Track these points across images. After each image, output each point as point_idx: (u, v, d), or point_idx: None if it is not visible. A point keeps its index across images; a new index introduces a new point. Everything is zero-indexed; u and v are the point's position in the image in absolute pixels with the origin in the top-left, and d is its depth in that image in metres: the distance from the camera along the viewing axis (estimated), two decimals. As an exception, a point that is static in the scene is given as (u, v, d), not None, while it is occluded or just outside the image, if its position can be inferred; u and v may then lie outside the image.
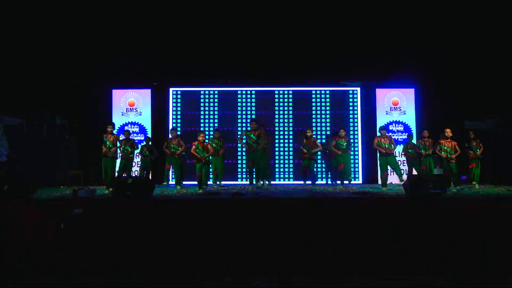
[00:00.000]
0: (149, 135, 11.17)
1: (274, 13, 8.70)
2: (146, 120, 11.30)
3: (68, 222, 5.61)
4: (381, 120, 11.21)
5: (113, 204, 5.93)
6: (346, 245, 5.65)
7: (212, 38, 9.45)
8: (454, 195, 6.65)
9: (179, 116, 11.45)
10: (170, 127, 11.21)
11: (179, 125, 11.40)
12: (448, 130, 8.52)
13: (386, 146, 8.26)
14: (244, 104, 11.50)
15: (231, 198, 6.07)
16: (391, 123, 11.25)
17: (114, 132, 8.62)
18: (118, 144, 8.52)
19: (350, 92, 11.45)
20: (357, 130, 11.31)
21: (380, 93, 11.37)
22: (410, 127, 11.18)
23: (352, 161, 10.35)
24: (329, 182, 10.02)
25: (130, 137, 8.88)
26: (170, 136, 9.56)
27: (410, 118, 11.23)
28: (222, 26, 9.06)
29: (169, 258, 5.64)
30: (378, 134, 8.52)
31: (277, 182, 10.80)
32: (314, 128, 11.11)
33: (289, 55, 9.90)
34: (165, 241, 5.69)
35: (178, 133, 10.19)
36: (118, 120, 11.20)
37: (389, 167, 8.46)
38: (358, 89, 11.41)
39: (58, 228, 5.62)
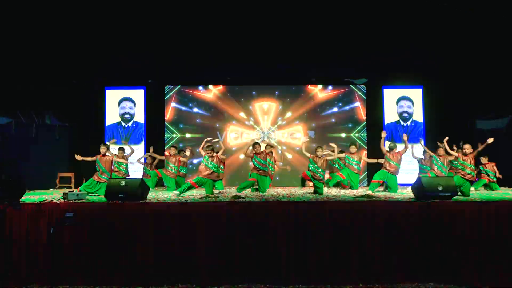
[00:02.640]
0: (144, 135, 11.26)
1: (275, 7, 8.68)
2: (140, 119, 11.34)
3: (58, 227, 5.61)
4: (388, 120, 11.25)
5: (105, 207, 5.92)
6: (350, 249, 5.65)
7: (210, 34, 9.43)
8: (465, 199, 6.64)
9: (174, 115, 11.47)
10: (166, 125, 11.27)
11: (174, 123, 11.43)
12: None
13: (394, 163, 8.22)
14: (244, 102, 11.52)
15: (231, 202, 6.05)
16: (398, 122, 11.27)
17: (108, 153, 8.23)
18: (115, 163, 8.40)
19: (356, 90, 11.47)
20: (363, 130, 11.35)
21: (387, 92, 11.40)
22: (419, 127, 11.19)
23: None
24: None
25: (124, 154, 8.82)
26: (167, 153, 9.28)
27: (418, 117, 11.24)
28: (221, 20, 9.03)
29: (165, 263, 5.65)
30: (387, 148, 8.39)
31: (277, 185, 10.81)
32: (316, 126, 11.21)
33: (291, 50, 9.85)
34: (160, 245, 5.69)
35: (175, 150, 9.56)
36: (111, 119, 11.26)
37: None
38: (364, 87, 11.45)
39: (48, 232, 5.62)
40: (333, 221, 5.69)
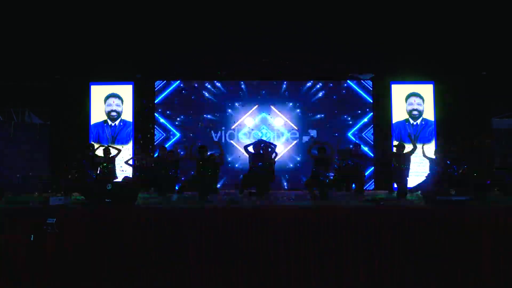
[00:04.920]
0: (132, 134, 11.26)
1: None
2: (128, 117, 11.35)
3: (39, 234, 5.62)
4: (396, 118, 11.28)
5: (90, 212, 5.93)
6: (354, 256, 5.68)
7: (207, 23, 9.38)
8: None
9: (166, 113, 11.48)
10: (156, 124, 11.27)
11: (165, 121, 11.44)
12: None
13: (401, 165, 8.27)
14: (243, 99, 11.54)
15: (228, 207, 6.06)
16: (407, 121, 11.32)
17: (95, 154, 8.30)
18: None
19: (361, 86, 11.51)
20: (370, 130, 11.39)
21: (396, 88, 11.43)
22: (429, 125, 11.23)
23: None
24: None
25: (110, 155, 8.80)
26: (159, 154, 9.30)
27: (429, 115, 11.29)
28: (219, 9, 8.99)
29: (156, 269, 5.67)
30: (394, 149, 8.49)
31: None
32: (318, 129, 11.25)
33: (289, 42, 9.80)
34: (150, 251, 5.70)
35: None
36: (97, 117, 11.26)
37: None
38: (371, 82, 11.48)
39: (28, 240, 5.63)
40: (337, 228, 5.71)
